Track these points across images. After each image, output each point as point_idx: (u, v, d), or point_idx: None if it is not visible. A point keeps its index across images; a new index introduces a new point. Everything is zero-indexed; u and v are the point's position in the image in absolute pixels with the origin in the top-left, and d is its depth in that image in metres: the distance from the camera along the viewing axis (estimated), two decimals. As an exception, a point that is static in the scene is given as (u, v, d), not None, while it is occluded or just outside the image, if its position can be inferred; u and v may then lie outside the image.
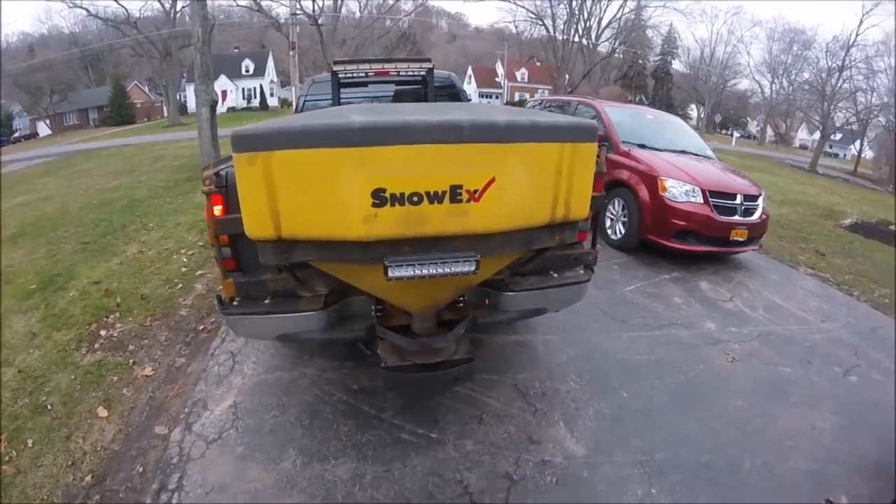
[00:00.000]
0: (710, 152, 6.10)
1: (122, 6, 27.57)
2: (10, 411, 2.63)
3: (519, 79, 48.29)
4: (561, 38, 31.34)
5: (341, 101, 4.33)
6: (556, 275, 2.51)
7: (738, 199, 4.92)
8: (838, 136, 40.28)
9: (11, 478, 2.20)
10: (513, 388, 2.83)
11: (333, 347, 3.07)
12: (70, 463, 2.29)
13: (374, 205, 1.48)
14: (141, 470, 2.24)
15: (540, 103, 9.44)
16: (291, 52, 18.80)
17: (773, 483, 2.31)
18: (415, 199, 1.49)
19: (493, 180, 1.53)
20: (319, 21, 19.11)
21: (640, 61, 46.09)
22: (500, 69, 48.95)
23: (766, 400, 2.95)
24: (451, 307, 2.21)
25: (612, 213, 5.43)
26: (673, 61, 49.10)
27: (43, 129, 39.28)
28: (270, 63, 44.48)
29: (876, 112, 28.51)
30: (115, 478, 2.21)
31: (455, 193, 1.51)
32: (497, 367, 2.99)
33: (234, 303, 2.22)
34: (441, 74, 4.78)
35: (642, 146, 5.53)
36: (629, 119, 6.20)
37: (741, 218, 4.90)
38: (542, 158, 1.61)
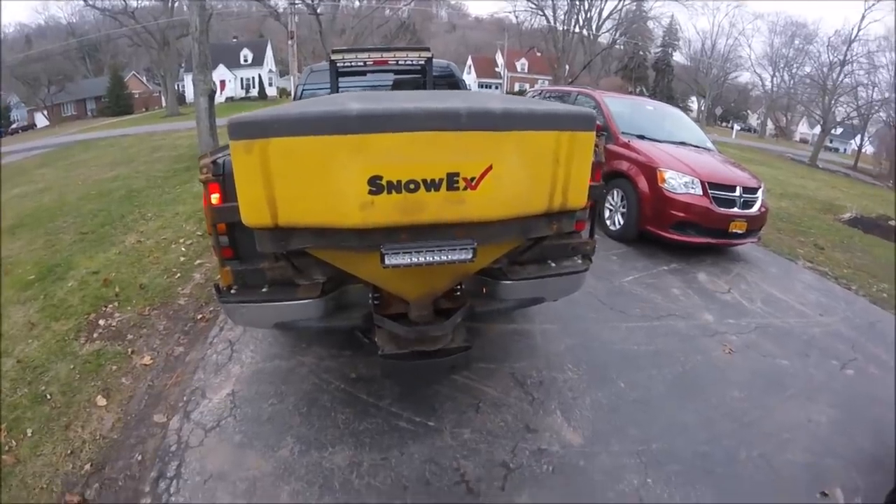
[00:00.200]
0: (709, 144, 6.08)
1: (120, -5, 27.40)
2: (9, 401, 2.64)
3: (519, 69, 48.02)
4: (561, 28, 31.21)
5: (340, 90, 4.29)
6: (553, 264, 2.50)
7: (738, 192, 4.91)
8: (839, 130, 40.15)
9: (11, 467, 2.21)
10: (510, 377, 2.84)
11: (331, 336, 3.07)
12: (69, 452, 2.30)
13: (370, 192, 1.47)
14: (140, 458, 2.25)
15: (540, 93, 9.41)
16: (290, 42, 18.71)
17: (770, 475, 2.33)
18: (412, 186, 1.48)
19: (490, 168, 1.52)
20: (318, 10, 18.99)
21: (641, 53, 45.77)
22: (500, 59, 48.61)
23: (764, 392, 2.96)
24: (448, 295, 2.21)
25: (611, 204, 5.42)
26: (674, 53, 48.95)
27: (41, 119, 39.10)
28: (269, 53, 44.17)
29: (877, 107, 28.47)
30: (114, 466, 2.22)
31: (452, 181, 1.50)
32: (494, 356, 3.00)
33: (232, 291, 2.22)
34: (440, 64, 4.74)
35: (642, 137, 5.51)
36: (629, 110, 6.17)
37: (740, 210, 4.89)
38: (539, 147, 1.59)
